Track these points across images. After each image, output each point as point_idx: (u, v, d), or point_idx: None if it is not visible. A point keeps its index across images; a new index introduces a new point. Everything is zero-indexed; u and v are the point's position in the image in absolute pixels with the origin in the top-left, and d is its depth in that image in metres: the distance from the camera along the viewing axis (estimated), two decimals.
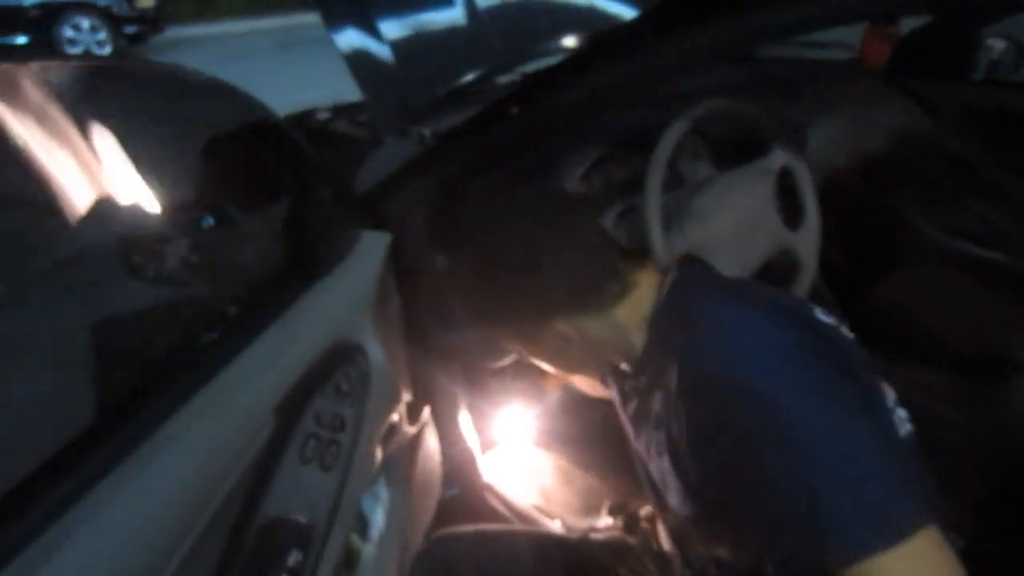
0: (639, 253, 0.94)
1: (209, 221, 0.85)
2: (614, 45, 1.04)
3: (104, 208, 0.74)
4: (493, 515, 1.40)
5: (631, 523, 1.26)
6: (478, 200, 0.90)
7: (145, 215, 0.80)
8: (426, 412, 1.22)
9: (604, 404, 0.97)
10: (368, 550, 0.94)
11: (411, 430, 1.13)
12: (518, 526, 1.39)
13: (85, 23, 7.70)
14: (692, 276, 0.81)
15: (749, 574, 0.72)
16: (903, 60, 1.70)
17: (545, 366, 0.96)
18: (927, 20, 1.67)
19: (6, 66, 0.72)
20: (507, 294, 0.82)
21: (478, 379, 1.40)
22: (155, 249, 0.78)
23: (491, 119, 1.15)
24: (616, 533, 1.34)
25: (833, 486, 0.56)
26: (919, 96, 1.56)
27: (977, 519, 1.02)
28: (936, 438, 0.74)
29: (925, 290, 1.56)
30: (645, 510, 1.38)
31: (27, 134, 0.66)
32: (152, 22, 8.44)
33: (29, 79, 0.68)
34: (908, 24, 1.74)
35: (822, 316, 0.71)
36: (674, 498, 0.76)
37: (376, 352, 0.95)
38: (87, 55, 6.70)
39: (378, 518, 1.00)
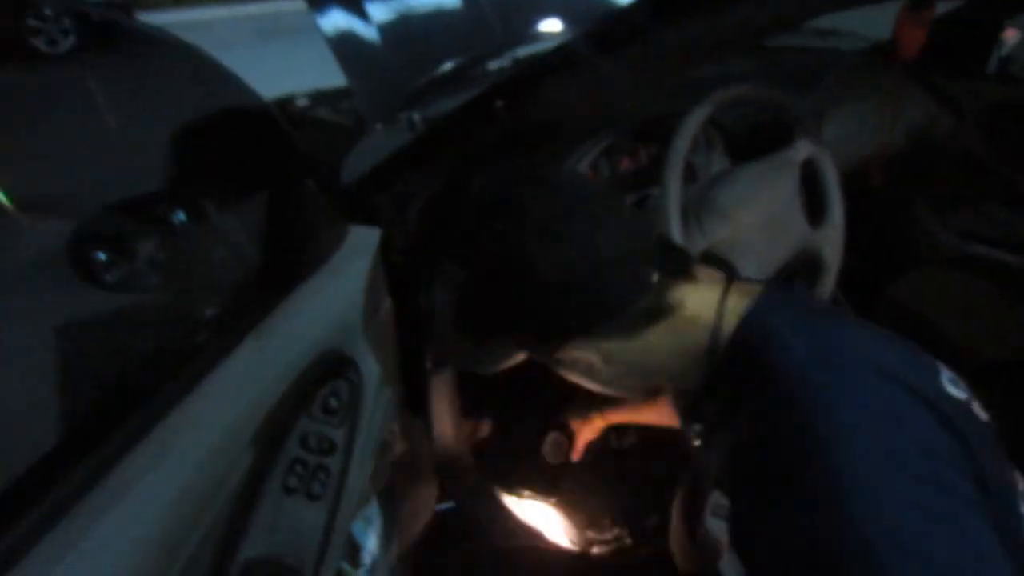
0: (682, 258, 0.74)
1: (180, 216, 0.76)
2: (614, 31, 0.95)
3: (56, 201, 0.65)
4: (490, 529, 1.32)
5: (637, 535, 1.19)
6: (480, 191, 0.80)
7: (104, 208, 0.70)
8: (420, 423, 1.13)
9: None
10: None
11: (405, 445, 1.05)
12: (519, 540, 1.31)
13: (49, 10, 7.52)
14: (779, 305, 0.65)
15: None
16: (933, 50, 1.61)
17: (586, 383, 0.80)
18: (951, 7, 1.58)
19: None
20: (513, 303, 0.72)
21: (476, 388, 1.31)
22: (116, 248, 0.68)
23: (489, 105, 1.06)
24: (622, 544, 1.28)
25: None
26: (941, 92, 1.49)
27: None
28: None
29: (940, 294, 1.50)
30: (651, 521, 1.32)
31: None
32: (123, 7, 8.23)
33: None
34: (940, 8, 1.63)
35: (953, 389, 0.60)
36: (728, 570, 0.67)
37: (368, 363, 0.86)
38: None
39: (371, 543, 0.93)
